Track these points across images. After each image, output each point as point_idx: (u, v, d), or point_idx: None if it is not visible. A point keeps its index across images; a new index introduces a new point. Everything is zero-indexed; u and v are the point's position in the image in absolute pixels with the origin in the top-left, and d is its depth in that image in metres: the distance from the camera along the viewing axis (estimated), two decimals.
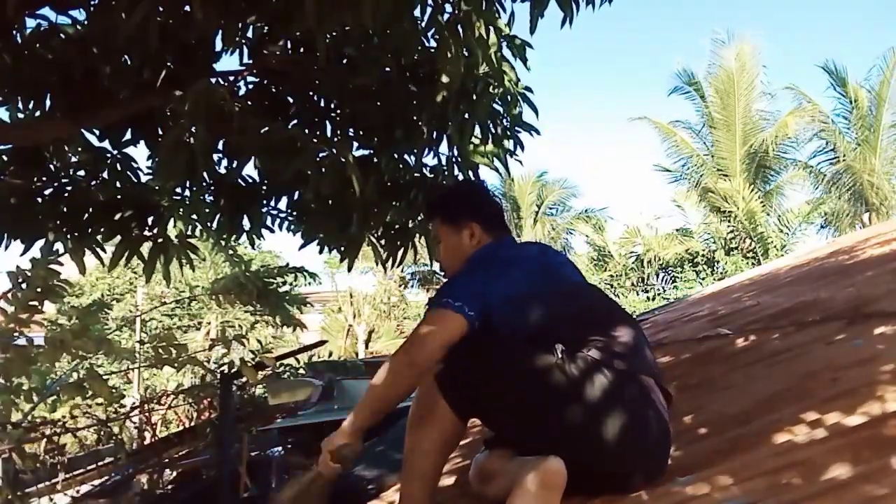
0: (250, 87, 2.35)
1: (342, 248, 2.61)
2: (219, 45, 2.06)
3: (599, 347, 1.33)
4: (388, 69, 2.20)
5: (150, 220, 2.35)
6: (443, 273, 1.76)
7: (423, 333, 1.42)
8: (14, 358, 1.94)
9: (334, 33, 2.01)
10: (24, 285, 2.04)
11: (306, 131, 2.26)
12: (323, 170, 2.04)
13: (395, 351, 1.45)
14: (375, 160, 2.39)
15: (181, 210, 2.39)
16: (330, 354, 14.79)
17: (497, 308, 1.41)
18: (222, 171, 2.41)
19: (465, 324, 1.39)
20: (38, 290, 2.04)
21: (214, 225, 2.56)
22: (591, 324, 1.40)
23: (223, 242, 2.81)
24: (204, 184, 2.43)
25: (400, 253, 2.68)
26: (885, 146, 13.12)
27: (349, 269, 2.72)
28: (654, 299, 13.67)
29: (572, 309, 1.44)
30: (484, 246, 1.62)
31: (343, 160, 2.01)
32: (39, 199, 2.21)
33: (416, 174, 2.48)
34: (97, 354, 2.15)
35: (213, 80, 2.04)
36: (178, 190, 2.42)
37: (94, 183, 2.26)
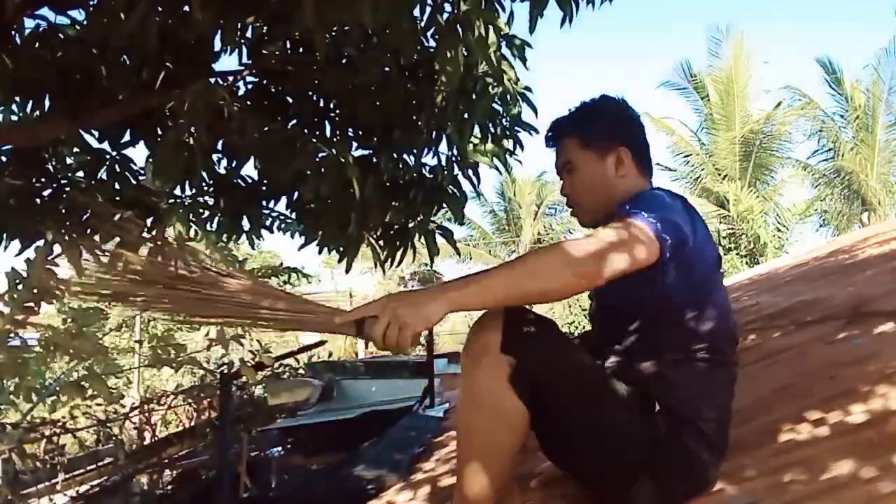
0: (249, 87, 2.34)
1: (341, 249, 2.61)
2: (218, 45, 2.06)
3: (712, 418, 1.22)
4: (387, 69, 2.20)
5: (148, 221, 2.35)
6: (571, 210, 1.41)
7: (614, 242, 1.08)
8: (10, 359, 1.93)
9: (333, 33, 2.01)
10: (20, 286, 2.04)
11: (306, 131, 2.26)
12: (322, 170, 2.04)
13: (567, 243, 1.08)
14: (375, 160, 2.39)
15: (180, 212, 2.38)
16: (330, 355, 14.76)
17: (689, 252, 1.15)
18: (222, 171, 2.41)
19: (657, 250, 1.10)
20: (35, 290, 2.04)
21: (214, 225, 2.56)
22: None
23: (221, 243, 2.81)
24: (203, 184, 2.42)
25: (399, 253, 2.67)
26: (882, 146, 13.13)
27: (347, 270, 2.71)
28: None
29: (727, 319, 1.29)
30: (652, 189, 1.32)
31: (342, 160, 2.01)
32: (38, 200, 2.21)
33: (415, 174, 2.48)
34: (92, 359, 2.15)
35: (213, 80, 2.04)
36: (177, 191, 2.42)
37: (92, 184, 2.26)
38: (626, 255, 1.07)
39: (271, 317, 1.05)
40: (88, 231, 2.26)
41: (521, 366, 1.10)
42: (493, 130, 2.41)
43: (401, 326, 0.97)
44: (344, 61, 2.21)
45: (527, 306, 1.16)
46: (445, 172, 2.48)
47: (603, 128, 1.35)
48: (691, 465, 1.21)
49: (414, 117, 2.31)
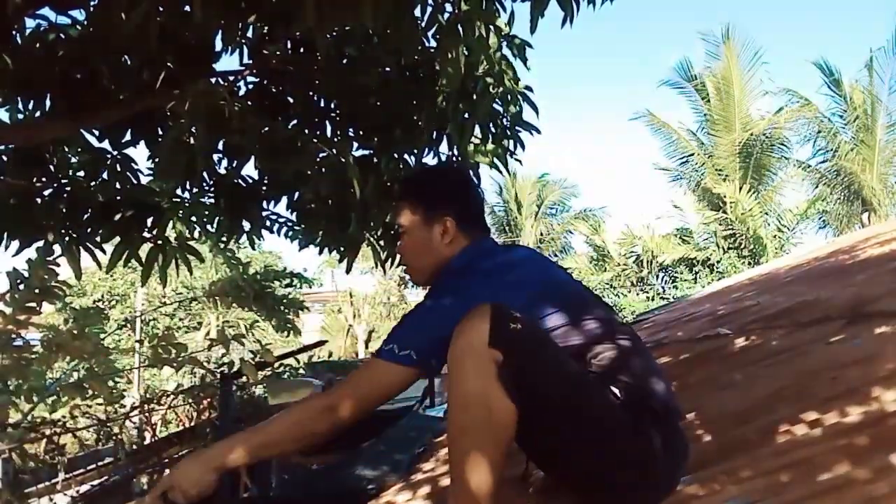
0: (250, 87, 2.34)
1: (341, 249, 2.62)
2: (219, 45, 2.06)
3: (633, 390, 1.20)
4: (388, 69, 2.20)
5: (149, 221, 2.35)
6: (404, 269, 1.51)
7: (352, 392, 1.29)
8: (11, 359, 1.94)
9: (334, 33, 2.01)
10: (21, 286, 2.04)
11: (306, 131, 2.26)
12: (323, 170, 2.04)
13: (305, 404, 1.33)
14: (375, 160, 2.39)
15: (181, 212, 2.39)
16: (330, 354, 14.79)
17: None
18: (222, 171, 2.41)
19: (412, 372, 1.26)
20: (37, 290, 2.04)
21: (214, 225, 2.56)
22: (605, 337, 1.24)
23: (222, 244, 2.81)
24: (204, 184, 2.43)
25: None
26: (882, 146, 13.13)
27: (348, 270, 2.72)
28: (653, 299, 13.69)
29: (585, 325, 1.25)
30: (460, 254, 1.38)
31: (343, 160, 2.01)
32: (39, 200, 2.21)
33: None
34: (94, 359, 2.15)
35: (213, 80, 2.04)
36: (178, 191, 2.42)
37: (93, 183, 2.26)
38: (365, 398, 1.27)
39: None
40: (89, 231, 2.26)
41: (508, 361, 1.10)
42: (493, 130, 2.42)
43: (184, 490, 1.22)
44: (345, 61, 2.21)
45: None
46: None
47: (431, 197, 1.42)
48: (676, 456, 1.23)
49: (415, 117, 2.31)
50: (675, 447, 1.24)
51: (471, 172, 1.71)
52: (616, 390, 1.20)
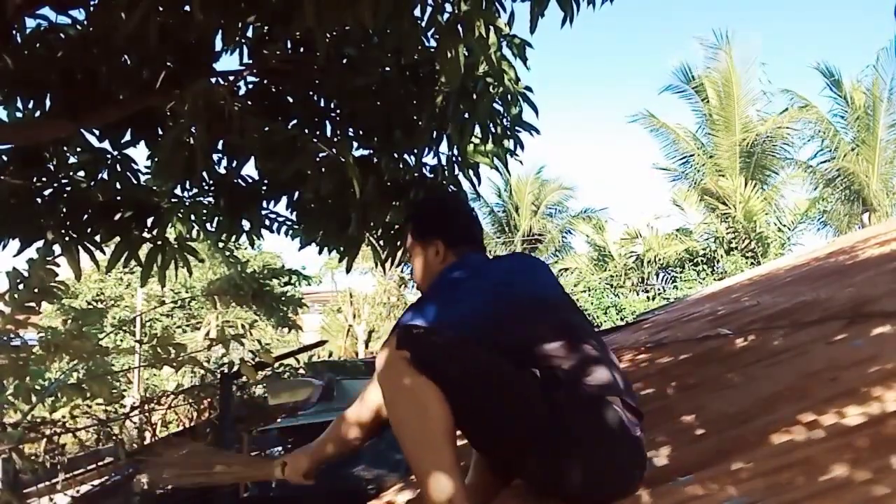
0: (250, 87, 2.34)
1: (341, 249, 2.61)
2: (219, 45, 2.06)
3: (563, 368, 1.30)
4: (387, 69, 2.20)
5: (149, 221, 2.35)
6: (415, 284, 1.73)
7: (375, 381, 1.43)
8: (9, 359, 1.93)
9: (334, 33, 2.01)
10: (21, 286, 2.04)
11: (306, 131, 2.26)
12: (323, 170, 2.04)
13: (351, 409, 1.51)
14: (375, 160, 2.39)
15: (181, 212, 2.39)
16: (330, 354, 14.80)
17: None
18: (222, 171, 2.41)
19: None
20: (36, 290, 2.04)
21: (214, 225, 2.56)
22: (559, 338, 1.35)
23: (222, 243, 2.81)
24: (203, 184, 2.42)
25: (399, 253, 2.67)
26: (883, 146, 13.13)
27: (348, 270, 2.71)
28: (654, 299, 13.68)
29: (540, 327, 1.36)
30: (443, 270, 1.55)
31: (343, 160, 2.01)
32: (39, 200, 2.21)
33: (416, 174, 2.48)
34: (92, 359, 2.15)
35: (213, 80, 2.04)
36: (178, 191, 2.42)
37: (93, 183, 2.26)
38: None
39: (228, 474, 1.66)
40: (89, 231, 2.26)
41: (414, 353, 1.27)
42: (493, 130, 2.41)
43: (294, 470, 1.56)
44: (344, 61, 2.21)
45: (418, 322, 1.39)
46: (446, 172, 2.48)
47: (425, 224, 1.66)
48: (625, 457, 1.28)
49: (414, 117, 2.31)
50: (626, 450, 1.28)
51: (463, 197, 2.07)
52: (542, 379, 1.29)
